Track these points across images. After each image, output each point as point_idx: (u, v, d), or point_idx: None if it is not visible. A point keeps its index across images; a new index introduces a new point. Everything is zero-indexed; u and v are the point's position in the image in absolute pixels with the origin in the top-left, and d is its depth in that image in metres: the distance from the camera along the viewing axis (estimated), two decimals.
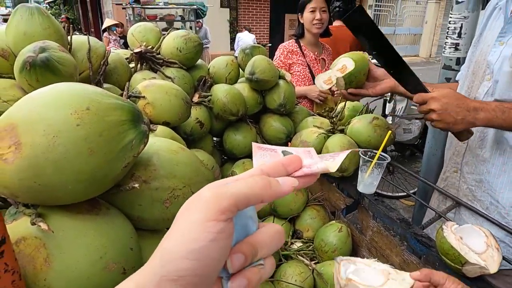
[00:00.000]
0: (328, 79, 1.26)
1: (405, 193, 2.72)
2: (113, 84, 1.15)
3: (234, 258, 0.26)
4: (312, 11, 2.15)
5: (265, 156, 0.35)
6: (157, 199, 0.48)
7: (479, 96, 1.09)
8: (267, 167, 0.31)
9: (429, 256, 0.91)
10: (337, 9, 2.86)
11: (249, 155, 1.47)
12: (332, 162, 0.34)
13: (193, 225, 0.25)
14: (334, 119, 1.35)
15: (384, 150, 1.14)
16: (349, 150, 0.38)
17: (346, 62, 1.24)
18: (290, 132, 1.45)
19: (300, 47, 2.28)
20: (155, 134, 0.91)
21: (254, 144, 0.36)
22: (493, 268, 0.76)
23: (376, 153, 1.13)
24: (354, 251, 1.22)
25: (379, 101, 2.65)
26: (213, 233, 0.24)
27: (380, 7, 13.54)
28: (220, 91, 1.33)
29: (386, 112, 2.58)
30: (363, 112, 1.38)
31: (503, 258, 0.79)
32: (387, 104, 2.55)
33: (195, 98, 1.33)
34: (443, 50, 1.72)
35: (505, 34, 1.01)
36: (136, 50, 1.22)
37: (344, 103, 1.39)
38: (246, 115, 1.43)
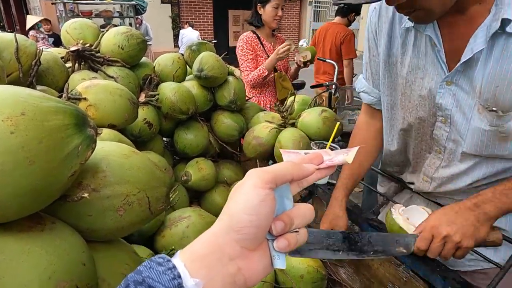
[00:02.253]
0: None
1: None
2: (48, 86, 1.05)
3: (277, 223, 0.35)
4: (275, 7, 2.27)
5: (290, 157, 0.44)
6: (109, 207, 0.44)
7: (437, 138, 0.93)
8: (297, 161, 0.39)
9: None
10: (343, 6, 3.13)
11: (202, 154, 1.44)
12: (347, 156, 0.42)
13: (247, 190, 0.34)
14: (285, 113, 1.38)
15: (333, 141, 1.19)
16: (359, 146, 0.46)
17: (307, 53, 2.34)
18: (242, 129, 1.45)
19: (259, 38, 2.38)
20: (101, 138, 0.85)
21: (282, 150, 0.47)
22: None
23: (326, 144, 1.17)
24: None
25: (324, 94, 2.76)
26: (262, 195, 0.33)
27: (320, 3, 14.07)
28: (168, 90, 1.28)
29: (332, 105, 2.69)
30: (312, 105, 1.42)
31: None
32: (333, 96, 2.66)
33: (142, 98, 1.27)
34: None
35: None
36: (73, 48, 1.13)
37: (293, 97, 1.42)
38: (197, 113, 1.40)
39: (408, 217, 0.91)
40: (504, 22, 0.69)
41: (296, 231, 0.36)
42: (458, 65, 0.79)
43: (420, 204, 1.00)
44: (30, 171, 0.32)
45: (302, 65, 2.53)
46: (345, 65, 3.36)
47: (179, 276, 0.30)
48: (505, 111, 0.76)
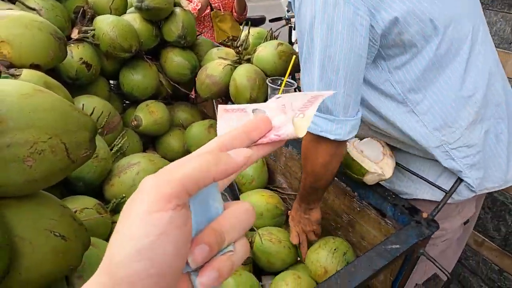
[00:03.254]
0: None
1: None
2: None
3: (197, 251, 0.22)
4: None
5: (231, 120, 0.29)
6: (13, 158, 0.37)
7: None
8: (227, 138, 0.27)
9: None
10: None
11: (153, 97, 1.33)
12: (302, 120, 0.28)
13: (136, 220, 0.21)
14: (239, 48, 1.28)
15: (293, 77, 1.14)
16: (328, 94, 0.30)
17: None
18: (195, 67, 1.35)
19: None
20: (21, 80, 0.73)
21: (220, 107, 0.30)
22: (388, 174, 0.84)
23: (282, 80, 1.11)
24: (271, 179, 1.26)
25: (284, 29, 2.62)
26: (160, 226, 0.21)
27: None
28: (105, 24, 1.13)
29: (293, 40, 2.57)
30: (268, 38, 1.33)
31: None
32: (293, 31, 2.54)
33: (74, 34, 1.11)
34: None
35: None
36: None
37: (248, 30, 1.31)
38: (142, 51, 1.26)
39: (363, 150, 0.91)
40: None
41: (230, 251, 0.24)
42: None
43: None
44: None
45: None
46: None
47: None
48: None
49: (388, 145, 0.90)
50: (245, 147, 0.27)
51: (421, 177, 0.87)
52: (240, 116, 0.30)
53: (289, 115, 0.29)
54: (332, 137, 0.75)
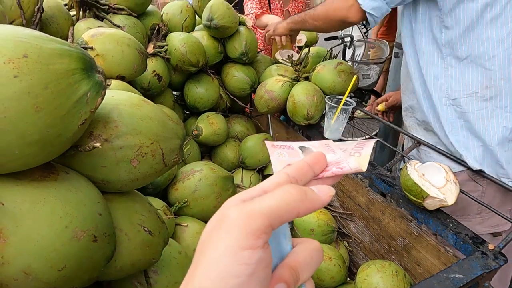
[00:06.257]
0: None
1: (365, 137, 2.84)
2: (53, 35, 1.01)
3: None
4: None
5: (283, 156, 0.30)
6: (123, 158, 0.43)
7: None
8: (293, 170, 0.27)
9: (393, 194, 0.96)
10: None
11: (212, 109, 1.41)
12: (359, 158, 0.29)
13: (225, 256, 0.20)
14: (298, 66, 1.32)
15: (348, 96, 1.15)
16: (374, 140, 0.31)
17: (302, 37, 1.78)
18: (254, 82, 1.41)
19: None
20: (109, 90, 0.82)
21: (267, 143, 0.32)
22: (451, 200, 0.82)
23: (341, 99, 1.13)
24: None
25: (338, 47, 2.63)
26: (250, 266, 0.20)
27: None
28: (177, 41, 1.23)
29: (346, 58, 2.58)
30: (327, 58, 1.35)
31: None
32: (347, 50, 2.54)
33: (150, 49, 1.22)
34: None
35: None
36: None
37: (308, 49, 1.35)
38: (207, 66, 1.35)
39: (424, 173, 0.89)
40: None
41: None
42: None
43: (436, 160, 0.98)
44: (37, 119, 0.30)
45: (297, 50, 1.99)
46: None
47: None
48: None
49: (452, 171, 0.88)
50: (309, 180, 0.28)
51: (490, 208, 0.84)
52: (290, 153, 0.30)
53: (339, 153, 0.30)
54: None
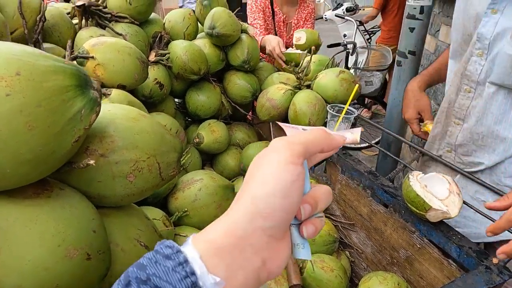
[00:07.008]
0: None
1: (367, 144, 2.83)
2: (55, 44, 1.01)
3: (306, 207, 0.30)
4: None
5: (290, 132, 0.39)
6: (119, 173, 0.43)
7: (470, 74, 0.92)
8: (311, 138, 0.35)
9: (395, 205, 0.95)
10: None
11: (214, 116, 1.41)
12: (352, 135, 0.39)
13: (277, 167, 0.28)
14: (300, 74, 1.32)
15: (350, 105, 1.14)
16: (361, 127, 0.42)
17: (301, 35, 1.70)
18: (256, 90, 1.40)
19: (271, 3, 2.00)
20: (110, 99, 0.82)
21: (281, 124, 0.41)
22: (454, 212, 0.81)
23: (343, 108, 1.12)
24: None
25: (340, 54, 2.63)
26: (295, 174, 0.28)
27: None
28: (179, 48, 1.23)
29: (349, 65, 2.57)
30: (329, 66, 1.35)
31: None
32: (350, 56, 2.54)
33: (152, 57, 1.22)
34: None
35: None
36: (79, 3, 1.07)
37: (310, 57, 1.34)
38: (209, 74, 1.35)
39: (426, 185, 0.88)
40: None
41: (321, 216, 0.32)
42: None
43: (440, 172, 0.97)
44: (30, 137, 0.30)
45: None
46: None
47: (193, 273, 0.24)
48: None
49: (455, 183, 0.86)
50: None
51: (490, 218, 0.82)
52: (297, 132, 0.39)
53: (342, 132, 0.39)
54: None
